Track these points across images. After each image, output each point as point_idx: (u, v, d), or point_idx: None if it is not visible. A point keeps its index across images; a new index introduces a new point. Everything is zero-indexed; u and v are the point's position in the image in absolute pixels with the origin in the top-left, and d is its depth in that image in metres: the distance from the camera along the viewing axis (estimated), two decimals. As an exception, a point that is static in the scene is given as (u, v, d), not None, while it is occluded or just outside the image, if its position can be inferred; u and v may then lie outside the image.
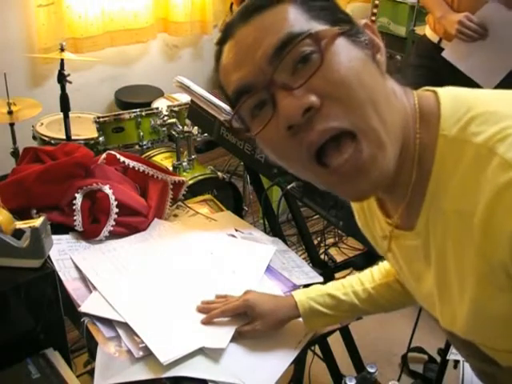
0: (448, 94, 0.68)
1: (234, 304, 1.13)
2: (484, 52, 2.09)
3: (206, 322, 1.12)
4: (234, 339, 1.10)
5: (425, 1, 2.34)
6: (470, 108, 0.64)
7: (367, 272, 1.11)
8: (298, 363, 1.63)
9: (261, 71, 0.64)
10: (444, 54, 2.19)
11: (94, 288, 1.20)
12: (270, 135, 0.66)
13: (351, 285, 1.09)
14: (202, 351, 1.06)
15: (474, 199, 0.60)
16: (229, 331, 1.10)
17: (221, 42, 0.70)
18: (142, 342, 1.05)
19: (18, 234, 1.10)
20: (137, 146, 2.52)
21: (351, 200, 0.73)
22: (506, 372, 0.76)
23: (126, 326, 1.10)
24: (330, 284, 1.12)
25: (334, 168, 0.63)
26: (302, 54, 0.62)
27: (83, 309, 1.14)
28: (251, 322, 1.12)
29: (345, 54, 0.63)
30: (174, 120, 2.46)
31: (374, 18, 3.83)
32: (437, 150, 0.65)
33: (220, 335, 1.09)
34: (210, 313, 1.13)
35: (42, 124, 2.63)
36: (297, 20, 0.63)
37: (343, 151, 0.62)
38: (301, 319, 1.10)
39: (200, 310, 1.15)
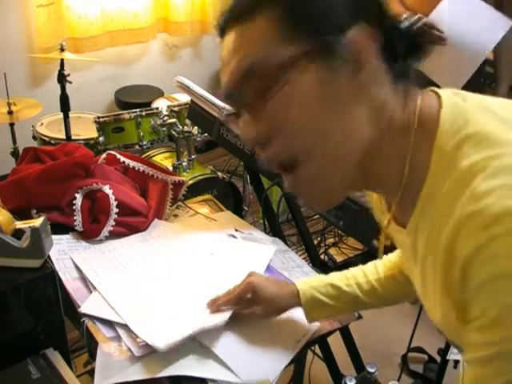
0: (449, 100, 0.67)
1: (238, 290, 1.13)
2: (446, 52, 2.02)
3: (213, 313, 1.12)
4: (234, 339, 1.10)
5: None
6: (468, 121, 0.63)
7: (371, 265, 1.10)
8: (298, 363, 1.63)
9: (232, 86, 0.66)
10: None
11: (94, 288, 1.20)
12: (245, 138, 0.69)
13: (354, 276, 1.09)
14: (201, 351, 1.06)
15: (446, 221, 0.61)
16: (227, 312, 1.10)
17: (219, 36, 0.70)
18: (142, 342, 1.05)
19: (18, 233, 1.10)
20: (137, 146, 2.53)
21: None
22: None
23: (126, 326, 1.10)
24: (333, 274, 1.11)
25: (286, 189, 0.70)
26: (260, 88, 0.62)
27: (83, 309, 1.14)
28: (251, 306, 1.12)
29: (304, 90, 0.61)
30: (174, 120, 2.46)
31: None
32: (432, 160, 0.65)
33: (218, 316, 1.10)
34: (216, 303, 1.13)
35: (42, 124, 2.63)
36: (267, 43, 0.61)
37: (287, 176, 0.69)
38: (301, 316, 1.10)
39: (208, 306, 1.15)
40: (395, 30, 0.65)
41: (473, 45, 1.96)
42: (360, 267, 1.11)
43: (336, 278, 1.10)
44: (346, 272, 1.11)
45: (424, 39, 0.66)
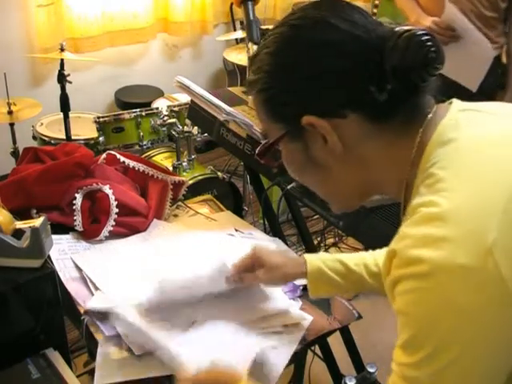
0: (439, 135, 0.69)
1: (242, 258, 1.14)
2: (459, 52, 2.04)
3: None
4: (234, 338, 1.10)
5: (401, 6, 2.29)
6: (438, 161, 0.66)
7: (382, 251, 1.10)
8: (298, 363, 1.63)
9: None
10: None
11: (96, 288, 1.20)
12: None
13: (364, 257, 1.10)
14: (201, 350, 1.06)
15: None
16: None
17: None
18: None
19: (18, 234, 1.10)
20: (137, 146, 2.52)
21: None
22: None
23: (125, 325, 1.09)
24: (343, 254, 1.13)
25: None
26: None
27: (88, 306, 1.13)
28: (255, 271, 1.12)
29: (289, 154, 0.78)
30: (173, 120, 2.46)
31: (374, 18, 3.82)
32: (414, 184, 0.70)
33: None
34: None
35: (42, 124, 2.63)
36: (260, 113, 0.78)
37: None
38: (301, 315, 1.10)
39: None
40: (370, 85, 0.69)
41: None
42: (370, 252, 1.11)
43: (345, 256, 1.11)
44: (355, 253, 1.12)
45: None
